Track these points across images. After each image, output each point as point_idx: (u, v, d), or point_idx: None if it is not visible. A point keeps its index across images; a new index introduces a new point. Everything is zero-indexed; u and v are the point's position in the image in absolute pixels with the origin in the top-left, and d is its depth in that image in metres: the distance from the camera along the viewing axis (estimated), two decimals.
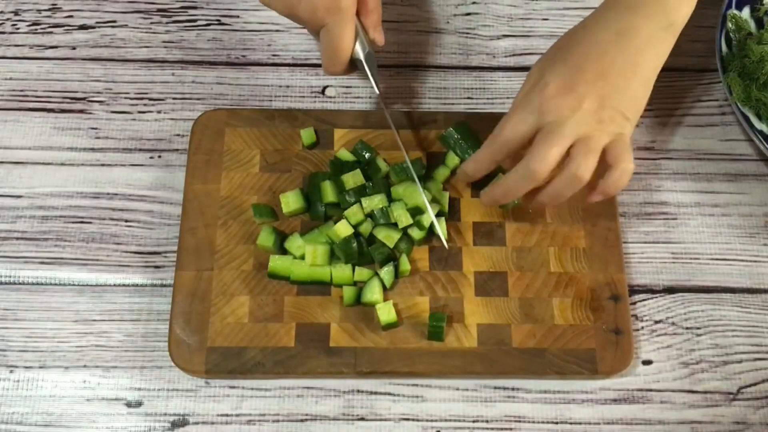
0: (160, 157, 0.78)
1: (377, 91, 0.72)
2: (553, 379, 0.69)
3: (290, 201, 0.72)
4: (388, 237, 0.70)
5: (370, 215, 0.71)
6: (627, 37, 0.60)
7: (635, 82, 0.61)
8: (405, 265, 0.70)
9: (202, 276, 0.70)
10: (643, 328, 0.72)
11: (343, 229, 0.69)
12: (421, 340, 0.68)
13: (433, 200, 0.72)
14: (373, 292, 0.68)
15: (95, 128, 0.79)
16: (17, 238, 0.73)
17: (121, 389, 0.68)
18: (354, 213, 0.70)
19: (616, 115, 0.60)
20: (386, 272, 0.69)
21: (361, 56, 0.69)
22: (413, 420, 0.68)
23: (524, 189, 0.62)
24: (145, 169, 0.77)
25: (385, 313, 0.67)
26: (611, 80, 0.60)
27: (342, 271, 0.69)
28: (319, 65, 0.82)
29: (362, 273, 0.70)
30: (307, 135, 0.75)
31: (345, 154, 0.74)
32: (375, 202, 0.71)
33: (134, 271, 0.73)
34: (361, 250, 0.70)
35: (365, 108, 0.80)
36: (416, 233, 0.70)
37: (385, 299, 0.69)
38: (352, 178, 0.72)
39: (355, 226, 0.70)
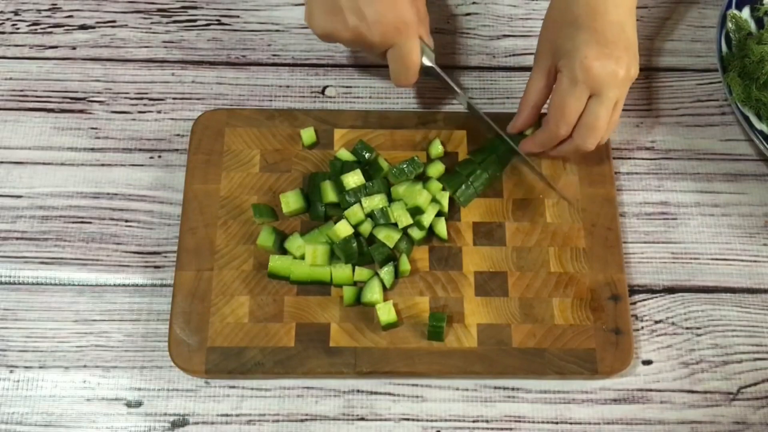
0: (160, 157, 0.78)
1: (459, 92, 0.75)
2: (553, 379, 0.69)
3: (290, 201, 0.72)
4: (388, 237, 0.70)
5: (370, 215, 0.71)
6: None
7: (632, 32, 0.67)
8: (405, 265, 0.70)
9: (202, 276, 0.70)
10: (643, 328, 0.72)
11: (343, 229, 0.69)
12: (421, 340, 0.68)
13: (433, 200, 0.72)
14: (373, 292, 0.68)
15: (95, 128, 0.79)
16: (17, 238, 0.74)
17: (121, 389, 0.68)
18: (354, 213, 0.70)
19: (634, 63, 0.66)
20: (386, 272, 0.69)
21: (431, 63, 0.72)
22: (413, 420, 0.68)
23: (578, 155, 0.72)
24: (145, 169, 0.77)
25: (385, 313, 0.67)
26: (628, 35, 0.66)
27: (342, 271, 0.69)
28: (319, 65, 0.82)
29: (362, 273, 0.70)
30: (307, 135, 0.75)
31: (345, 154, 0.74)
32: (375, 202, 0.71)
33: (134, 271, 0.73)
34: (361, 250, 0.70)
35: (365, 108, 0.80)
36: (416, 233, 0.70)
37: (385, 299, 0.69)
38: (352, 178, 0.72)
39: (355, 226, 0.70)
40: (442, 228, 0.71)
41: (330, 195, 0.72)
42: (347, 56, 0.83)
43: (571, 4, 0.66)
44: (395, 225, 0.70)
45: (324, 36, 0.69)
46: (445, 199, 0.72)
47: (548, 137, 0.69)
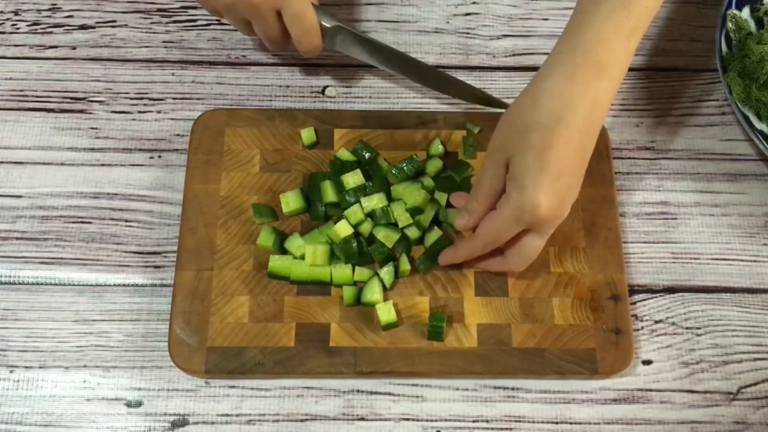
0: (160, 157, 0.78)
1: (375, 43, 0.74)
2: (553, 379, 0.69)
3: (290, 201, 0.72)
4: (387, 237, 0.70)
5: (370, 215, 0.71)
6: (589, 99, 0.59)
7: (590, 151, 0.62)
8: (405, 265, 0.70)
9: (202, 276, 0.70)
10: (643, 328, 0.72)
11: (343, 229, 0.69)
12: (421, 340, 0.68)
13: (432, 200, 0.72)
14: (373, 292, 0.68)
15: (95, 128, 0.79)
16: (17, 238, 0.73)
17: (121, 389, 0.68)
18: (354, 213, 0.70)
19: (571, 201, 0.62)
20: (386, 272, 0.69)
21: (335, 23, 0.71)
22: (413, 420, 0.68)
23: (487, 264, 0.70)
24: (145, 169, 0.77)
25: (385, 313, 0.67)
26: (584, 158, 0.61)
27: (342, 271, 0.69)
28: (319, 65, 0.82)
29: (362, 273, 0.70)
30: (307, 135, 0.75)
31: (345, 154, 0.74)
32: (374, 201, 0.71)
33: (134, 271, 0.73)
34: (361, 250, 0.70)
35: (365, 108, 0.80)
36: (413, 232, 0.70)
37: (385, 299, 0.69)
38: (352, 178, 0.72)
39: (355, 226, 0.70)
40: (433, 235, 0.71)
41: (330, 195, 0.72)
42: (347, 56, 0.83)
43: (537, 107, 0.59)
44: (395, 225, 0.70)
45: (210, 9, 0.70)
46: (443, 198, 0.72)
47: (472, 253, 0.67)
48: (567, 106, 0.58)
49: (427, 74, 0.78)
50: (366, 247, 0.70)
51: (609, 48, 0.59)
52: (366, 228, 0.70)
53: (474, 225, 0.67)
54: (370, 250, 0.70)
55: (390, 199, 0.72)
